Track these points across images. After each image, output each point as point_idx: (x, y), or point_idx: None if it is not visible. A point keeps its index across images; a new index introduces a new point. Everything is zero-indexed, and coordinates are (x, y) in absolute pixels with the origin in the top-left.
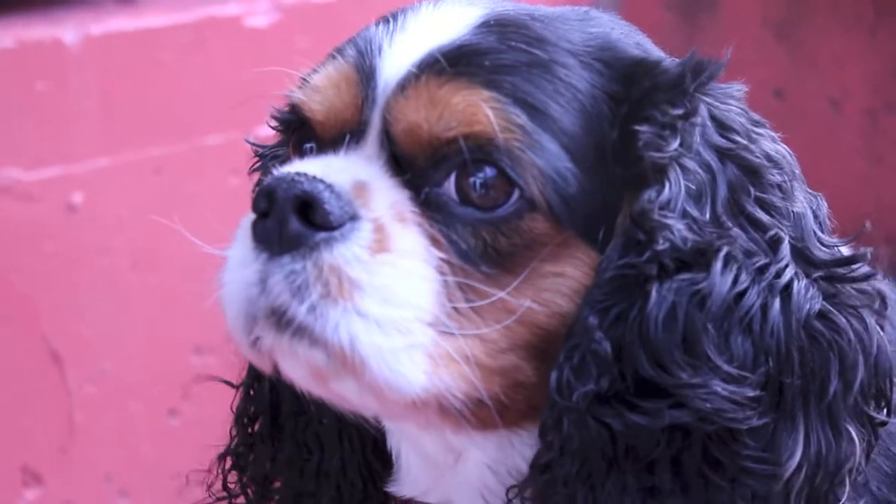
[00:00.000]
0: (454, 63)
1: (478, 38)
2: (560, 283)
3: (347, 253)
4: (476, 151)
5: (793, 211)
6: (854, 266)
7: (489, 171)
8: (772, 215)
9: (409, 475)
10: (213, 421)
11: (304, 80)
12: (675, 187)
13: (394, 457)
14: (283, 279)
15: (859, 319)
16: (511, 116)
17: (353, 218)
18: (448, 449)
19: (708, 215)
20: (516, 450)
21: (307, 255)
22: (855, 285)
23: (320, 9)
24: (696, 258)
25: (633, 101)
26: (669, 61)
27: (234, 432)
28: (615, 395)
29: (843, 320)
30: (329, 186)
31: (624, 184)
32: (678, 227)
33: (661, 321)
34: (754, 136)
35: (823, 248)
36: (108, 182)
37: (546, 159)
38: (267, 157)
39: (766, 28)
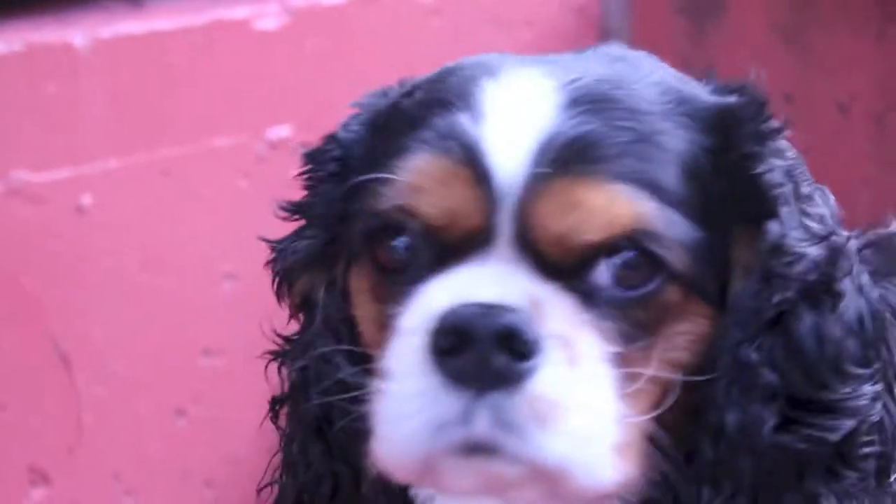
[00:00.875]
0: (576, 158)
1: (580, 123)
2: (683, 339)
3: (549, 378)
4: (622, 243)
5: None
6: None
7: (635, 258)
8: (825, 224)
9: None
10: (220, 422)
11: (390, 178)
12: (795, 213)
13: None
14: (490, 415)
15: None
16: (644, 204)
17: (544, 339)
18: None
19: (819, 227)
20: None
21: (514, 388)
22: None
23: (329, 12)
24: (831, 279)
25: (732, 148)
26: (722, 94)
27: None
28: (787, 420)
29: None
30: (523, 313)
31: (732, 223)
32: (814, 252)
33: (814, 344)
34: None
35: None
36: (116, 184)
37: (677, 235)
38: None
39: (773, 32)
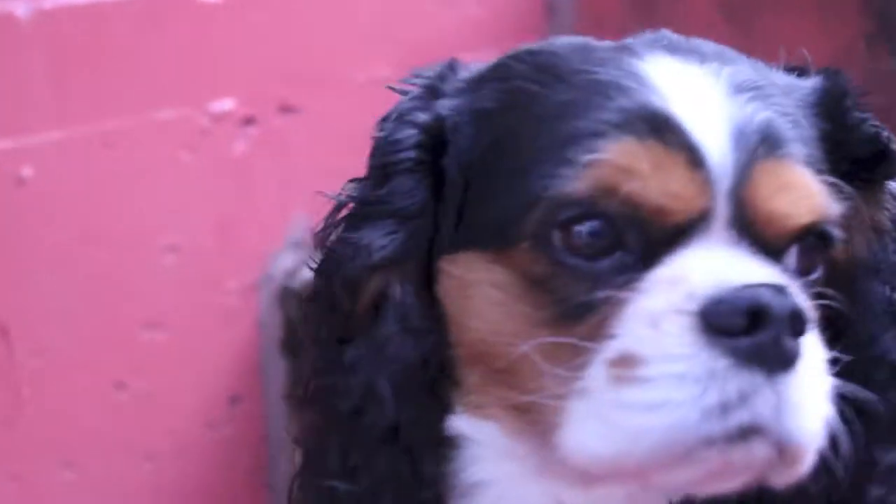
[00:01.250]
0: (772, 143)
1: (757, 109)
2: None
3: (811, 356)
4: (826, 232)
5: None
6: None
7: (814, 240)
8: None
9: None
10: (161, 395)
11: (598, 164)
12: None
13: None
14: (775, 395)
15: None
16: (823, 186)
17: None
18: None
19: None
20: None
21: (794, 368)
22: None
23: None
24: None
25: (839, 126)
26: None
27: None
28: None
29: None
30: (797, 294)
31: (856, 188)
32: None
33: None
34: None
35: None
36: (58, 155)
37: (839, 217)
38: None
39: (717, 10)
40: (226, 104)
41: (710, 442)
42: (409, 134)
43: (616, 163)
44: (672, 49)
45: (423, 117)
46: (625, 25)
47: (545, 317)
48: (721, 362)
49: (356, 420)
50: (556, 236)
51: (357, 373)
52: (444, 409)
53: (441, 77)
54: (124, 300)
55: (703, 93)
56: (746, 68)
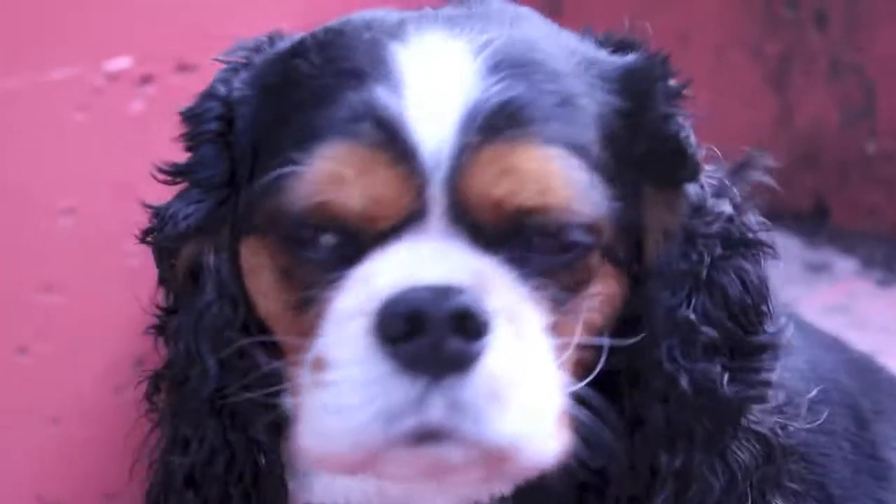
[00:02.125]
0: (505, 124)
1: (505, 88)
2: (598, 301)
3: (501, 356)
4: (550, 214)
5: None
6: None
7: (564, 223)
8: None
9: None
10: (65, 359)
11: (300, 177)
12: (709, 172)
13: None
14: (445, 400)
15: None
16: (573, 171)
17: (493, 316)
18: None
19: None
20: None
21: (468, 370)
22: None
23: None
24: (744, 227)
25: (640, 109)
26: (631, 53)
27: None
28: (731, 370)
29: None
30: (471, 292)
31: (642, 185)
32: (724, 207)
33: (741, 292)
34: None
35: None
36: None
37: (600, 202)
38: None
39: None
40: (121, 63)
41: (391, 444)
42: (210, 107)
43: (325, 170)
44: (450, 23)
45: (223, 90)
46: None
47: (291, 305)
48: (385, 367)
49: (183, 389)
50: (285, 232)
51: (179, 341)
52: (271, 377)
53: (257, 49)
54: (22, 263)
55: (447, 77)
56: (524, 43)
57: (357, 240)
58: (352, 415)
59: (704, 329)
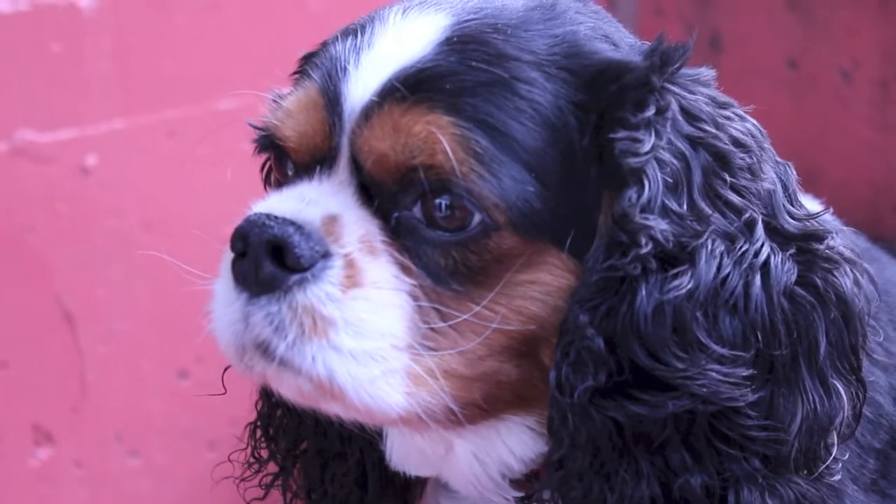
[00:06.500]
0: (416, 88)
1: (438, 59)
2: (534, 289)
3: (320, 292)
4: (436, 181)
5: (763, 189)
6: (821, 234)
7: (450, 198)
8: (744, 197)
9: (400, 456)
10: (219, 384)
11: (277, 101)
12: (654, 185)
13: (385, 439)
14: (262, 319)
15: (834, 280)
16: (470, 143)
17: (325, 256)
18: (438, 440)
19: (686, 205)
20: (502, 439)
21: (282, 297)
22: (824, 250)
23: None
24: (680, 252)
25: (603, 108)
26: (636, 56)
27: (260, 403)
28: (616, 387)
29: (821, 283)
30: (300, 228)
31: (602, 184)
32: (660, 226)
33: (650, 316)
34: (720, 121)
35: (792, 222)
36: (121, 144)
37: (505, 182)
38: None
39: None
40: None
41: (241, 350)
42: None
43: (287, 102)
44: (457, 4)
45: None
46: (685, 13)
47: None
48: (229, 282)
49: None
50: (276, 152)
51: None
52: None
53: None
54: (185, 288)
55: (400, 44)
56: (490, 25)
57: (297, 171)
58: (217, 318)
59: (591, 334)
